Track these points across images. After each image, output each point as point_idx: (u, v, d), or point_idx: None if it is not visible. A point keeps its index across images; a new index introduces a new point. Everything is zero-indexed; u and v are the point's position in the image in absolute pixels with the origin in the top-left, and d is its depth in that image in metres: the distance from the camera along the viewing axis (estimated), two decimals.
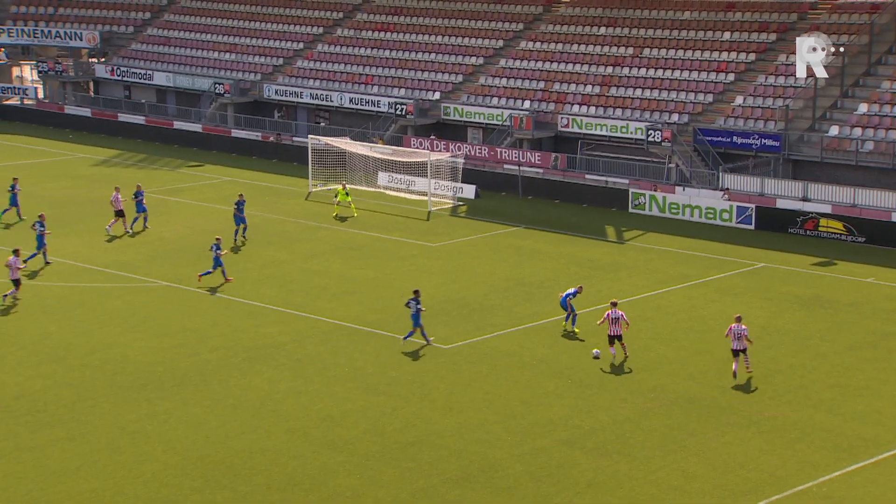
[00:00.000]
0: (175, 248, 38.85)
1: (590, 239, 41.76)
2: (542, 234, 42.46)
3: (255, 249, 39.06)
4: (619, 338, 27.94)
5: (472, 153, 53.54)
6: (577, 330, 29.98)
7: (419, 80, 59.89)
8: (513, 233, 42.65)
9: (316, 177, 49.50)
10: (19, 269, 32.29)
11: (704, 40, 54.72)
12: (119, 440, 23.34)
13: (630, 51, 55.82)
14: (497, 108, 55.96)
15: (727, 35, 54.52)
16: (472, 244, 40.77)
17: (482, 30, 61.40)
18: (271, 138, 59.43)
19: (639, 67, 54.81)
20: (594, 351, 28.45)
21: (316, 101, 61.33)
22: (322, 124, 60.45)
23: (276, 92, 62.47)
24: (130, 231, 40.41)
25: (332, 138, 51.62)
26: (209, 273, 34.26)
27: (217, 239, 34.76)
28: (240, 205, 39.32)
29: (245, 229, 39.62)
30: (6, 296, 32.28)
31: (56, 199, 46.68)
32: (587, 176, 50.63)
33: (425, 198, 46.93)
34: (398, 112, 57.06)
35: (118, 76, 68.57)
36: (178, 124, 62.97)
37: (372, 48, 63.09)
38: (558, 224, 43.88)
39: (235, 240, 39.21)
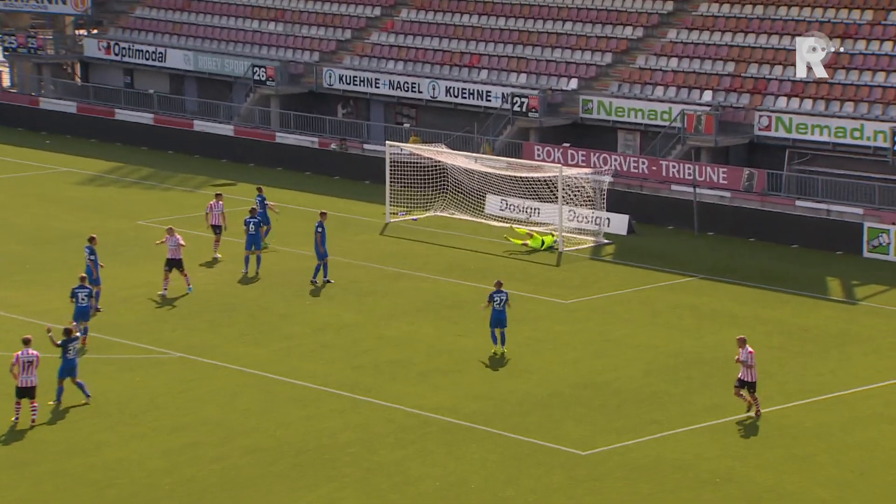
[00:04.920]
0: (201, 301, 39.58)
1: (803, 296, 41.20)
2: (728, 287, 42.03)
3: (306, 307, 39.52)
4: (32, 392, 29.88)
5: (625, 168, 53.44)
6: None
7: (548, 61, 60.21)
8: (685, 285, 42.33)
9: (396, 201, 49.99)
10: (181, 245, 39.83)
11: None
12: None
13: (867, 16, 55.02)
14: (663, 101, 55.86)
15: None
16: (624, 301, 40.55)
17: None
18: (333, 145, 60.36)
19: (880, 40, 53.92)
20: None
21: (398, 93, 62.17)
22: (406, 125, 61.22)
23: (341, 79, 63.56)
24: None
25: (419, 146, 52.10)
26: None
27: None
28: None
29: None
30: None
31: (21, 232, 47.98)
32: (798, 202, 50.08)
33: (554, 233, 46.99)
34: (517, 108, 57.45)
35: (116, 55, 70.70)
36: (199, 125, 64.48)
37: (480, 14, 63.72)
38: (753, 274, 43.40)
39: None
